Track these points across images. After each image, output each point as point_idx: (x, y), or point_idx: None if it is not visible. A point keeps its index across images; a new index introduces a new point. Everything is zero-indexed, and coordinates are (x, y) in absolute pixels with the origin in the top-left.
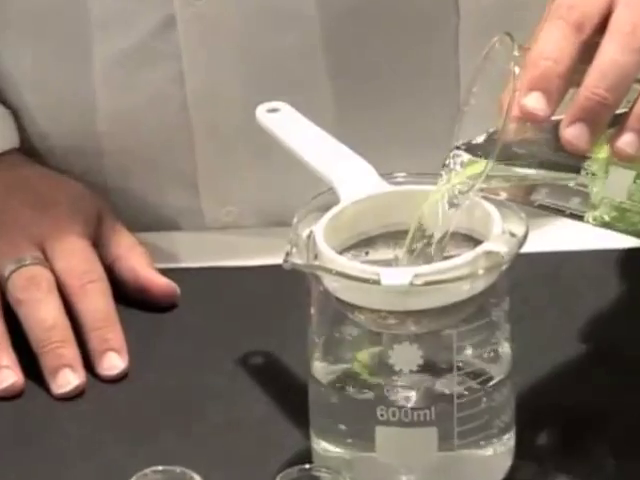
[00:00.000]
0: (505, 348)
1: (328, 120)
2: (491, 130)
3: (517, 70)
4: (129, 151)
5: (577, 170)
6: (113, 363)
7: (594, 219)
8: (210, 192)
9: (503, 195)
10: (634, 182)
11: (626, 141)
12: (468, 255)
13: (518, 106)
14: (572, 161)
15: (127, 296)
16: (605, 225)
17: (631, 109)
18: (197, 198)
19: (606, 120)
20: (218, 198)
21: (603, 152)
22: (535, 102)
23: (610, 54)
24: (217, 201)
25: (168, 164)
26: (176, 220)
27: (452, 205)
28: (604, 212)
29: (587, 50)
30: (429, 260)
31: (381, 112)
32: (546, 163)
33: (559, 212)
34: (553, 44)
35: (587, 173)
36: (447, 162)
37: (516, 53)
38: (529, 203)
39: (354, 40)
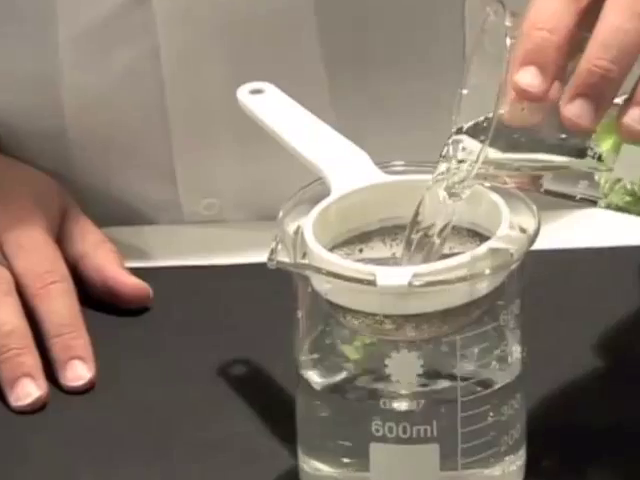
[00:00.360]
0: (515, 356)
1: (322, 106)
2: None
3: (509, 42)
4: (98, 135)
5: (584, 153)
6: (78, 373)
7: (607, 205)
8: (188, 182)
9: (510, 182)
10: None
11: (634, 117)
12: (473, 253)
13: (511, 84)
14: (579, 143)
15: (94, 298)
16: (619, 210)
17: (638, 82)
18: (174, 189)
19: (611, 95)
20: (197, 189)
21: (610, 132)
22: (529, 78)
23: (612, 21)
24: (196, 192)
25: (141, 150)
26: (150, 214)
27: (452, 195)
28: (617, 196)
29: (588, 18)
30: (428, 258)
31: (380, 97)
32: (552, 147)
33: (569, 198)
34: (548, 12)
35: (594, 155)
36: (446, 148)
37: (508, 23)
38: (536, 189)
39: (352, 18)
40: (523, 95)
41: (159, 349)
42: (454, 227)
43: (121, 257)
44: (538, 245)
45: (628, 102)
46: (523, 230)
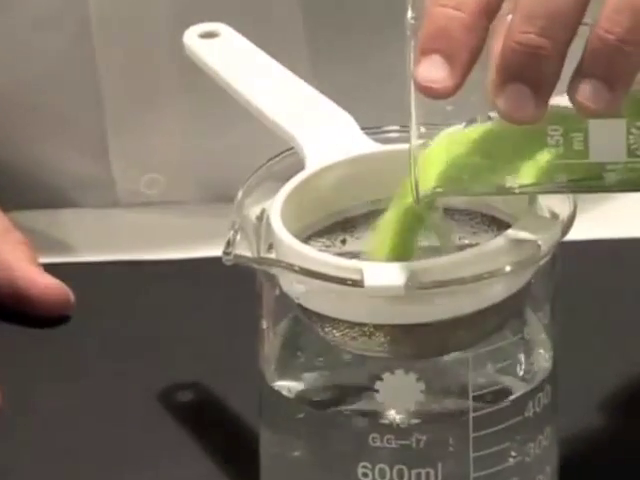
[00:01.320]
0: (543, 378)
1: (300, 71)
2: None
3: (411, 21)
4: (6, 92)
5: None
6: None
7: (608, 185)
8: (123, 153)
9: None
10: (628, 134)
11: (586, 94)
12: (490, 244)
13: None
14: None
15: None
16: (627, 190)
17: (584, 50)
18: (105, 161)
19: (552, 75)
20: (135, 161)
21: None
22: (432, 71)
23: None
24: (134, 166)
25: (63, 113)
26: (73, 193)
27: None
28: (614, 179)
29: None
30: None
31: (368, 60)
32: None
33: (556, 192)
34: None
35: (558, 142)
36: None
37: None
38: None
39: None
40: (427, 93)
41: (82, 371)
42: (465, 211)
43: (33, 250)
44: (573, 235)
45: (575, 75)
46: (554, 215)
